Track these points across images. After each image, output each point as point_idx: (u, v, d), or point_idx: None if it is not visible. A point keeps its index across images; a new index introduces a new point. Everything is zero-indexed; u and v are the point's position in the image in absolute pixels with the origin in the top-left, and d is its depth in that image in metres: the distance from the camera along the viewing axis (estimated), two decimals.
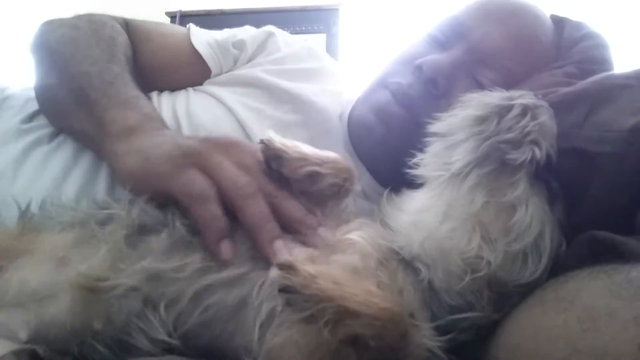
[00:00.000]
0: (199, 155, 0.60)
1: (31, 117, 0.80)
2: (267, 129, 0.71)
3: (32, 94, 0.81)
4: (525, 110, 0.56)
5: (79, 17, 0.83)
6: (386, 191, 0.66)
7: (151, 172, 0.60)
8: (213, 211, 0.56)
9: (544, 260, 0.54)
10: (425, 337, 0.51)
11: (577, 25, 0.82)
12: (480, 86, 0.77)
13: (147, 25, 0.92)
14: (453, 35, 0.81)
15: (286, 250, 0.56)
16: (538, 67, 0.78)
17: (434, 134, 0.61)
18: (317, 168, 0.63)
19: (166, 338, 0.52)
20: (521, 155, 0.54)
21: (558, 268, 0.53)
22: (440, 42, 0.83)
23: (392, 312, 0.48)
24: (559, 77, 0.74)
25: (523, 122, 0.55)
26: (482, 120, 0.57)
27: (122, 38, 0.83)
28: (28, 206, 0.63)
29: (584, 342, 0.39)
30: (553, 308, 0.46)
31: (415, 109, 0.78)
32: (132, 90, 0.72)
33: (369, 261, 0.57)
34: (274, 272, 0.46)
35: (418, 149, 0.62)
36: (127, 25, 0.89)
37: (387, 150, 0.80)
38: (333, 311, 0.45)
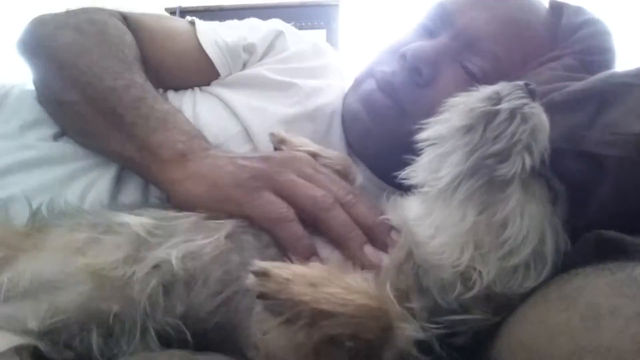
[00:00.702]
0: (268, 177, 0.61)
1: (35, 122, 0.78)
2: (270, 129, 0.76)
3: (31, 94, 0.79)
4: (513, 113, 0.54)
5: (75, 15, 0.79)
6: (386, 192, 0.66)
7: (221, 198, 0.61)
8: (296, 231, 0.58)
9: (548, 266, 0.53)
10: (412, 329, 0.51)
11: (576, 11, 0.80)
12: (468, 73, 0.76)
13: (148, 22, 0.87)
14: (440, 23, 0.81)
15: (376, 255, 0.58)
16: (530, 54, 0.76)
17: (423, 141, 0.60)
18: (317, 150, 0.71)
19: (177, 320, 0.54)
20: (511, 167, 0.53)
21: (563, 267, 0.53)
22: (429, 31, 0.82)
23: (371, 307, 0.48)
24: (559, 72, 0.72)
25: (511, 128, 0.53)
26: (467, 129, 0.55)
27: (129, 37, 0.80)
28: (40, 205, 0.64)
29: (587, 339, 0.39)
30: (556, 305, 0.46)
31: (399, 96, 0.78)
32: (164, 104, 0.72)
33: None
34: (249, 280, 0.47)
35: (405, 139, 0.61)
36: (127, 21, 0.84)
37: (374, 139, 0.81)
38: (306, 315, 0.46)
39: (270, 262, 0.48)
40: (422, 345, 0.51)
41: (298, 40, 0.95)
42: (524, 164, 0.53)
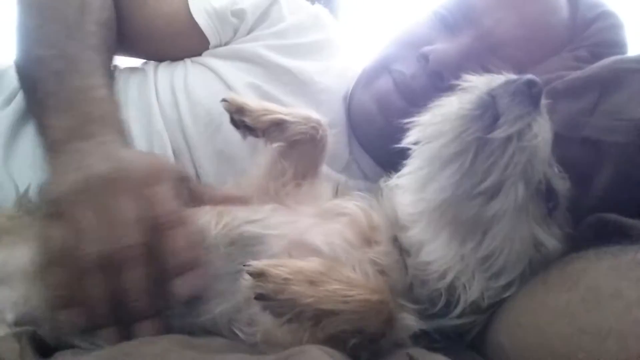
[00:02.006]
0: (71, 204, 0.52)
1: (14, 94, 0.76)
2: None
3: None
4: (508, 139, 0.49)
5: None
6: (382, 178, 0.65)
7: (45, 206, 0.55)
8: (57, 280, 0.50)
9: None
10: (410, 319, 0.51)
11: (592, 4, 0.79)
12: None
13: None
14: (462, 19, 0.77)
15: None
16: (550, 54, 0.75)
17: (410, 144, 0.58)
18: (282, 116, 0.65)
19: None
20: (502, 203, 0.49)
21: (564, 250, 0.53)
22: (448, 25, 0.78)
23: (372, 302, 0.47)
24: (569, 61, 0.72)
25: (504, 160, 0.49)
26: (455, 157, 0.51)
27: (99, 2, 0.75)
28: (27, 189, 0.62)
29: (588, 321, 0.40)
30: (557, 288, 0.46)
31: (417, 101, 0.74)
32: (82, 80, 0.66)
33: (357, 233, 0.57)
34: (246, 281, 0.46)
35: None
36: None
37: (386, 140, 0.77)
38: (309, 315, 0.45)
39: (265, 261, 0.47)
40: (416, 333, 0.52)
41: (297, 8, 0.91)
42: (516, 197, 0.49)
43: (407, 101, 0.77)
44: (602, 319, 0.38)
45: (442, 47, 0.75)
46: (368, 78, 0.84)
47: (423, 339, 0.52)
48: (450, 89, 0.66)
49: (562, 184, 0.55)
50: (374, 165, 0.85)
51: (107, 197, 0.52)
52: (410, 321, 0.51)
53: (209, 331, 0.54)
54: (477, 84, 0.54)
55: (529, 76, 0.51)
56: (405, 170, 0.61)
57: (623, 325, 0.37)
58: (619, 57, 0.66)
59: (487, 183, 0.49)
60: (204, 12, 0.84)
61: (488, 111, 0.50)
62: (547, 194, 0.53)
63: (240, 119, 0.66)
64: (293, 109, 0.69)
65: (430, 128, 0.55)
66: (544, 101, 0.52)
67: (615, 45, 0.75)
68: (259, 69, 0.83)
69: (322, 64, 0.87)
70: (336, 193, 0.67)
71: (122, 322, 0.50)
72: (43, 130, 0.63)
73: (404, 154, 0.63)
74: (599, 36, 0.74)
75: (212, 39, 0.85)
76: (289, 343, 0.46)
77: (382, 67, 0.82)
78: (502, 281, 0.52)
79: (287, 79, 0.83)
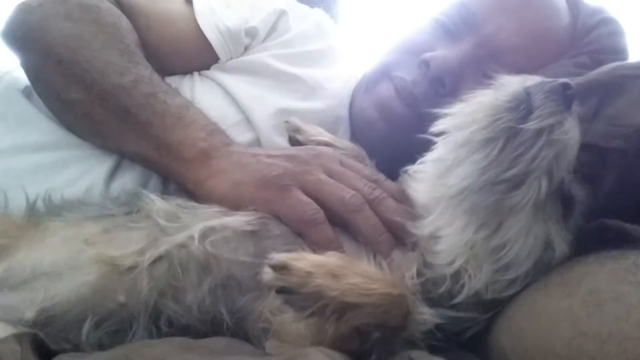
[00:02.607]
0: (297, 175, 0.60)
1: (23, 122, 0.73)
2: (271, 116, 0.75)
3: None
4: (539, 134, 0.49)
5: (64, 1, 0.72)
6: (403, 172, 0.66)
7: (248, 196, 0.60)
8: (327, 234, 0.57)
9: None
10: (427, 313, 0.52)
11: (593, 11, 0.79)
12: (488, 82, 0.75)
13: (142, 5, 0.81)
14: (463, 26, 0.77)
15: (404, 259, 0.56)
16: (550, 59, 0.75)
17: (437, 134, 0.59)
18: (331, 140, 0.71)
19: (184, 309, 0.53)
20: (524, 195, 0.50)
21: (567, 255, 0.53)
22: (449, 31, 0.78)
23: (393, 295, 0.47)
24: (569, 68, 0.72)
25: (532, 152, 0.49)
26: (486, 142, 0.51)
27: (125, 22, 0.75)
28: (36, 198, 0.62)
29: (589, 325, 0.40)
30: (558, 291, 0.46)
31: (419, 108, 0.74)
32: (176, 98, 0.69)
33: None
34: (267, 274, 0.45)
35: (420, 144, 0.61)
36: (119, 4, 0.78)
37: (387, 145, 0.77)
38: (333, 308, 0.45)
39: (286, 254, 0.46)
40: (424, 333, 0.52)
41: (302, 17, 0.91)
42: (539, 191, 0.50)
43: (408, 107, 0.77)
44: (603, 323, 0.39)
45: (443, 53, 0.75)
46: (368, 84, 0.84)
47: (424, 338, 0.52)
48: (451, 94, 0.67)
49: (580, 191, 0.55)
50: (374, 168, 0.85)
51: (326, 165, 0.62)
52: (426, 315, 0.51)
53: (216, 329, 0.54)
54: (512, 81, 0.55)
55: (564, 79, 0.52)
56: (426, 158, 0.61)
57: (624, 328, 0.37)
58: (619, 63, 0.67)
59: (512, 171, 0.49)
60: (215, 29, 0.82)
61: (523, 104, 0.51)
62: (564, 198, 0.53)
63: (294, 136, 0.72)
64: (342, 140, 0.74)
65: (462, 116, 0.55)
66: (575, 106, 0.52)
67: (616, 51, 0.75)
68: (265, 80, 0.82)
69: (329, 71, 0.87)
70: None
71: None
72: (170, 149, 0.65)
73: (406, 157, 0.64)
74: (599, 42, 0.75)
75: (223, 56, 0.83)
76: (303, 340, 0.46)
77: (382, 74, 0.82)
78: (509, 275, 0.52)
79: (296, 86, 0.83)
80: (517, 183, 0.50)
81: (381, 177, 0.64)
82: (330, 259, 0.48)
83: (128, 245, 0.54)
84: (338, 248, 0.56)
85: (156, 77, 0.70)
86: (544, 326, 0.45)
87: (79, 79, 0.67)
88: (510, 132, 0.50)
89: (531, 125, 0.49)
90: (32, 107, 0.73)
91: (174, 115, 0.66)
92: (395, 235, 0.59)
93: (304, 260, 0.46)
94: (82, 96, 0.67)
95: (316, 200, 0.59)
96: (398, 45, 0.84)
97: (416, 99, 0.76)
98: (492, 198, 0.51)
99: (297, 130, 0.72)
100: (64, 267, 0.54)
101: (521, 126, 0.50)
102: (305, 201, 0.58)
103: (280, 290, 0.45)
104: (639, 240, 0.44)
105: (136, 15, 0.79)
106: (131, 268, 0.53)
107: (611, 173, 0.53)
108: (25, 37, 0.71)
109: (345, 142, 0.73)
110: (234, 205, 0.60)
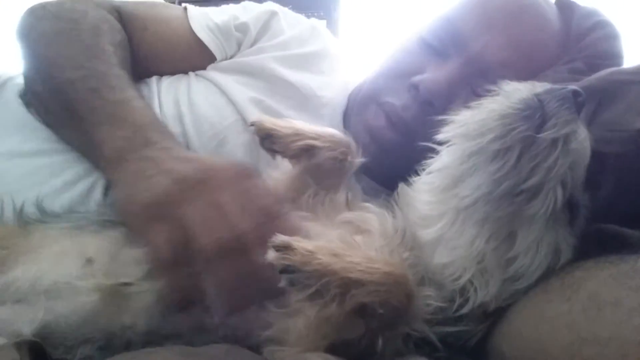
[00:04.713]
0: (171, 205, 0.52)
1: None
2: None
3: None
4: (555, 143, 0.49)
5: (61, 5, 0.77)
6: (400, 185, 0.64)
7: (130, 217, 0.55)
8: (174, 283, 0.51)
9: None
10: (430, 296, 0.52)
11: (587, 14, 0.78)
12: (480, 98, 0.75)
13: (141, 11, 0.86)
14: (450, 43, 0.76)
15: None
16: (541, 70, 0.74)
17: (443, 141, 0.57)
18: (312, 141, 0.64)
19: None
20: (541, 205, 0.49)
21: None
22: (436, 50, 0.77)
23: (396, 274, 0.47)
24: (564, 74, 0.71)
25: (549, 162, 0.49)
26: (500, 152, 0.50)
27: (107, 25, 0.77)
28: (22, 204, 0.62)
29: (588, 329, 0.40)
30: (557, 296, 0.46)
31: (410, 132, 0.74)
32: (120, 94, 0.66)
33: (373, 237, 0.57)
34: (271, 254, 0.45)
35: (415, 156, 0.61)
36: (120, 13, 0.83)
37: (382, 166, 0.77)
38: (337, 284, 0.45)
39: (288, 237, 0.46)
40: (417, 342, 0.52)
41: (295, 22, 0.91)
42: (555, 201, 0.49)
43: (399, 133, 0.77)
44: (603, 328, 0.38)
45: (431, 76, 0.75)
46: (359, 107, 0.84)
47: (425, 347, 0.52)
48: (441, 113, 0.64)
49: (583, 197, 0.54)
50: (370, 181, 0.85)
51: (207, 194, 0.52)
52: (430, 299, 0.51)
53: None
54: (520, 88, 0.54)
55: (574, 87, 0.52)
56: (431, 167, 0.60)
57: (623, 333, 0.37)
58: (615, 68, 0.67)
59: (531, 182, 0.49)
60: (206, 29, 0.84)
61: (537, 112, 0.50)
62: (570, 204, 0.53)
63: (270, 146, 0.65)
64: (322, 130, 0.67)
65: (471, 125, 0.54)
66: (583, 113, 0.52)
67: (612, 56, 0.74)
68: (261, 83, 0.83)
69: (323, 78, 0.87)
70: (347, 201, 0.66)
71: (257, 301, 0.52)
72: (94, 147, 0.63)
73: (400, 174, 0.64)
74: (594, 47, 0.74)
75: (218, 54, 0.86)
76: (306, 323, 0.46)
77: (371, 99, 0.81)
78: (519, 285, 0.52)
79: (290, 93, 0.83)
80: (534, 194, 0.49)
81: (282, 209, 0.56)
82: (333, 243, 0.48)
83: (129, 265, 0.53)
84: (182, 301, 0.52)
85: (113, 72, 0.69)
86: (543, 331, 0.45)
87: (42, 72, 0.70)
88: (526, 141, 0.49)
89: (548, 134, 0.49)
90: (29, 115, 0.74)
91: (107, 112, 0.64)
92: (257, 287, 0.51)
93: (306, 242, 0.46)
94: (41, 89, 0.69)
95: (180, 238, 0.51)
96: (385, 69, 0.83)
97: (407, 125, 0.76)
98: (509, 208, 0.50)
99: (270, 136, 0.65)
100: (64, 286, 0.53)
101: (539, 135, 0.49)
102: (160, 240, 0.51)
103: (284, 270, 0.45)
104: (637, 245, 0.44)
105: (135, 19, 0.83)
106: (137, 293, 0.52)
107: (609, 177, 0.53)
108: (20, 34, 0.75)
109: (328, 135, 0.66)
110: (125, 220, 0.55)
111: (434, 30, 0.79)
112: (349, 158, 0.65)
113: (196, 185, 0.53)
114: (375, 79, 0.84)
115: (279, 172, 0.69)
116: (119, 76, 0.69)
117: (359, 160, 0.67)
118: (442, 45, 0.77)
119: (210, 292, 0.50)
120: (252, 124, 0.65)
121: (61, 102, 0.67)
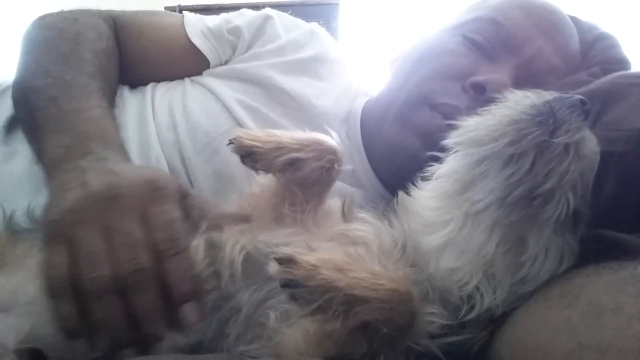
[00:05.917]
0: (68, 226, 0.50)
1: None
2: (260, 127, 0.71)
3: None
4: (567, 148, 0.49)
5: (57, 14, 0.79)
6: (399, 193, 0.63)
7: (42, 229, 0.53)
8: (64, 307, 0.48)
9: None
10: (435, 314, 0.51)
11: (590, 28, 0.82)
12: None
13: (139, 18, 0.87)
14: (501, 47, 0.76)
15: None
16: (569, 75, 0.78)
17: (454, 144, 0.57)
18: (295, 154, 0.61)
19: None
20: (554, 210, 0.49)
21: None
22: (484, 51, 0.77)
23: (400, 292, 0.46)
24: (583, 77, 0.74)
25: (564, 166, 0.49)
26: (515, 157, 0.50)
27: (94, 33, 0.77)
28: (13, 213, 0.62)
29: (588, 336, 0.40)
30: (557, 303, 0.46)
31: None
32: (76, 103, 0.66)
33: (370, 250, 0.56)
34: (273, 267, 0.44)
35: None
36: (116, 20, 0.85)
37: (414, 167, 0.72)
38: (341, 301, 0.44)
39: (292, 249, 0.45)
40: (420, 352, 0.51)
41: (293, 26, 0.91)
42: (567, 206, 0.50)
43: None
44: (603, 334, 0.38)
45: (497, 76, 0.74)
46: (401, 114, 0.80)
47: (426, 355, 0.51)
48: None
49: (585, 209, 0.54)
50: (374, 178, 0.84)
51: (109, 217, 0.50)
52: (434, 317, 0.50)
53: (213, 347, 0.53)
54: (529, 95, 0.54)
55: (580, 95, 0.53)
56: (438, 173, 0.60)
57: (623, 339, 0.37)
58: (621, 72, 0.68)
59: (546, 186, 0.49)
60: (200, 33, 0.86)
61: (550, 118, 0.51)
62: (574, 211, 0.53)
63: (252, 165, 0.62)
64: (307, 138, 0.62)
65: (483, 130, 0.54)
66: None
67: (622, 61, 0.79)
68: (257, 90, 0.83)
69: (321, 84, 0.87)
70: (343, 212, 0.64)
71: (139, 342, 0.49)
72: (40, 153, 0.62)
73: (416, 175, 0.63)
74: (605, 54, 0.78)
75: (212, 59, 0.86)
76: (306, 339, 0.45)
77: (420, 104, 0.78)
78: (524, 289, 0.52)
79: (285, 101, 0.82)
80: (547, 199, 0.50)
81: (182, 243, 0.52)
82: (335, 255, 0.47)
83: None
84: (75, 329, 0.48)
85: (78, 82, 0.68)
86: (543, 338, 0.45)
87: (17, 80, 0.72)
88: (540, 146, 0.50)
89: (562, 139, 0.49)
90: None
91: (58, 120, 0.63)
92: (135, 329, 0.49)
93: (310, 255, 0.45)
94: (15, 95, 0.72)
95: (73, 263, 0.49)
96: (431, 71, 0.80)
97: None
98: (523, 213, 0.50)
99: (251, 154, 0.61)
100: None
101: (553, 140, 0.49)
102: (51, 265, 0.48)
103: (286, 284, 0.44)
104: (636, 251, 0.44)
105: (131, 26, 0.85)
106: None
107: (612, 177, 0.53)
108: (20, 43, 0.77)
109: (314, 143, 0.62)
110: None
111: (482, 31, 0.78)
112: (336, 166, 0.63)
113: (99, 204, 0.51)
114: (420, 82, 0.80)
115: (264, 181, 0.67)
116: (85, 86, 0.69)
117: (346, 167, 0.65)
118: (491, 46, 0.77)
119: (92, 324, 0.48)
120: (230, 142, 0.62)
121: (25, 109, 0.69)
